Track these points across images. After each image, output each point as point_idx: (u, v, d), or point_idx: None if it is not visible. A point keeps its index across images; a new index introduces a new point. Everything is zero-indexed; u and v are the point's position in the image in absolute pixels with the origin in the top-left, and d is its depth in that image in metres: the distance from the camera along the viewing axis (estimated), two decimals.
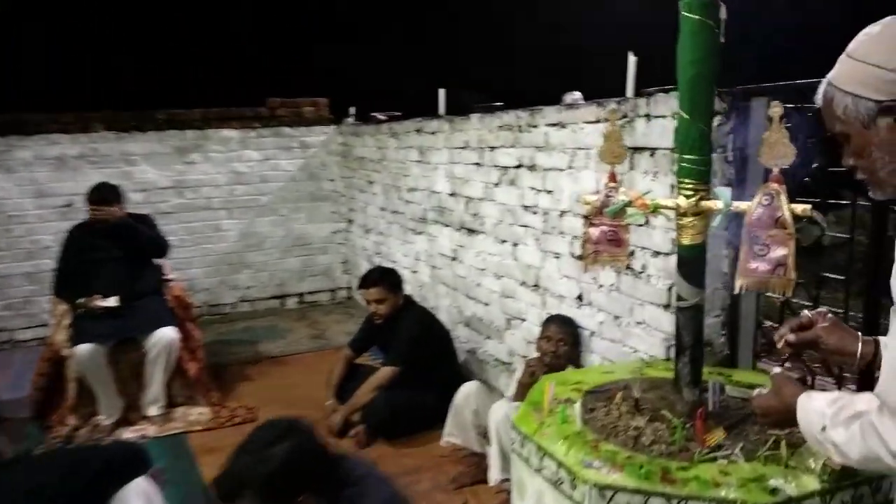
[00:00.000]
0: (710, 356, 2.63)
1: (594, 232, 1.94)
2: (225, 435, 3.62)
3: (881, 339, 1.42)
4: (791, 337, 1.46)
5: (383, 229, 5.59)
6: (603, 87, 3.32)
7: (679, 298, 1.82)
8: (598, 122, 3.01)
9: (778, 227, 1.61)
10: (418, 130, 4.74)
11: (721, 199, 1.70)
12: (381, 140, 5.43)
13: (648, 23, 3.82)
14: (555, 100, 4.18)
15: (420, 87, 4.91)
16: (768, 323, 2.65)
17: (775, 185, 1.61)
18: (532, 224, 3.55)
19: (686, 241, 1.78)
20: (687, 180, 1.75)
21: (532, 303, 3.61)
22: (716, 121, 2.47)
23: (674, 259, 2.18)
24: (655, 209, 1.84)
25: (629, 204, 1.85)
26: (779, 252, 1.62)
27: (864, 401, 1.20)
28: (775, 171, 1.61)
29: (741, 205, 1.66)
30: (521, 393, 3.11)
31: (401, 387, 3.67)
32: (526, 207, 3.59)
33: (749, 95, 2.46)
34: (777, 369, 1.52)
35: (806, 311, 1.50)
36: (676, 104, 1.77)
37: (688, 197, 1.75)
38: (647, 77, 2.87)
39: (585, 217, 1.95)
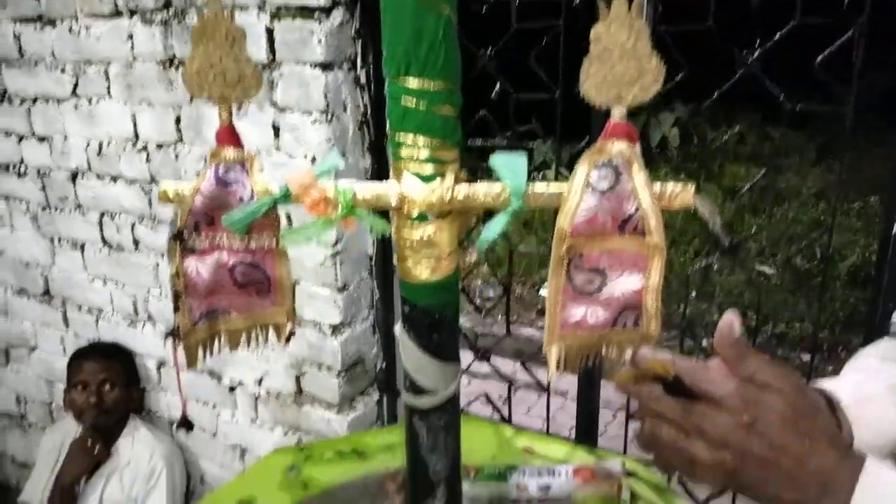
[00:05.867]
0: (361, 376, 1.77)
1: (197, 268, 0.80)
2: None
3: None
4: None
5: None
6: None
7: (411, 388, 0.85)
8: (117, 14, 1.72)
9: (628, 232, 0.75)
10: None
11: (507, 179, 0.74)
12: None
13: None
14: None
15: None
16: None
17: (618, 147, 0.73)
18: (19, 193, 2.08)
19: (424, 274, 0.80)
20: (421, 138, 0.74)
21: (45, 321, 2.20)
22: (336, 16, 1.49)
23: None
24: (351, 211, 0.78)
25: (287, 199, 0.76)
26: (628, 284, 0.77)
27: None
28: (617, 115, 0.72)
29: (535, 189, 0.75)
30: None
31: None
32: (3, 166, 2.09)
33: None
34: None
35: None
36: None
37: (427, 179, 0.76)
38: None
39: (174, 236, 0.79)
